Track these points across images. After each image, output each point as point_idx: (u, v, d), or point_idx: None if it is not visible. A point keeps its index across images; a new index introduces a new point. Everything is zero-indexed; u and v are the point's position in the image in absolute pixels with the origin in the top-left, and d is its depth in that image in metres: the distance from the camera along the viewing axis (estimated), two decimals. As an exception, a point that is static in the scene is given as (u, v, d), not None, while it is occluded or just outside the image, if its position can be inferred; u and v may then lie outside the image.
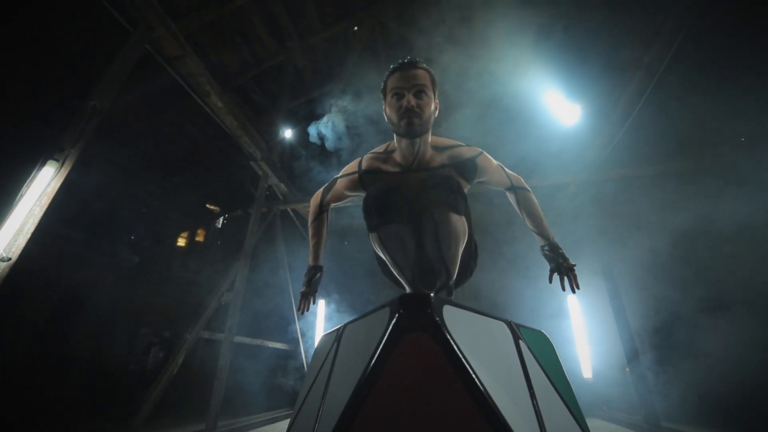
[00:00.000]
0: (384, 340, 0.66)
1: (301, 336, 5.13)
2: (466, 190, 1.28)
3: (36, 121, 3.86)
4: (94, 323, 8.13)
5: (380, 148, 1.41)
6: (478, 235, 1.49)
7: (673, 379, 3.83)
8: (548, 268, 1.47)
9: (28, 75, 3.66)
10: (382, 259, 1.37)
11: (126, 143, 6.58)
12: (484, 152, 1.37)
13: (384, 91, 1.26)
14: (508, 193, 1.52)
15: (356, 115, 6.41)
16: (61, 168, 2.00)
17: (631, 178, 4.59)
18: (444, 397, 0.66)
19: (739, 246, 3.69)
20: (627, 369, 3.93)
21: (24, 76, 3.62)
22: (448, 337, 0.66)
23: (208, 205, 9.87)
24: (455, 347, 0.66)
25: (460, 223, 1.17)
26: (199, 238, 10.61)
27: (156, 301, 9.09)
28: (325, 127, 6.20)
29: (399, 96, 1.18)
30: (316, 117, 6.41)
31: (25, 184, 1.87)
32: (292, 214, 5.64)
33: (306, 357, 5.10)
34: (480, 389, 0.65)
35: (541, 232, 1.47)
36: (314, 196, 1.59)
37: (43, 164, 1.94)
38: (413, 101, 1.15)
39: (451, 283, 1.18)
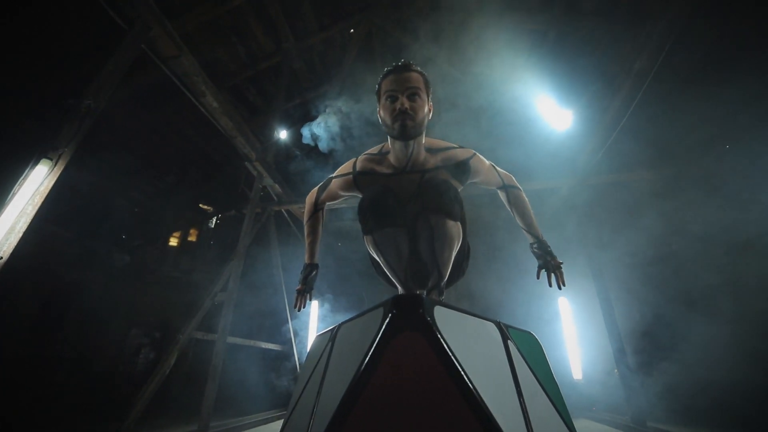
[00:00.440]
0: (378, 339, 0.69)
1: (294, 336, 5.13)
2: (459, 190, 1.31)
3: (29, 119, 3.82)
4: (83, 323, 8.02)
5: (374, 150, 1.42)
6: (474, 237, 1.53)
7: (659, 380, 3.91)
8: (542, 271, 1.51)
9: (23, 73, 3.62)
10: (376, 260, 1.40)
11: (119, 142, 6.52)
12: (477, 154, 1.40)
13: (378, 94, 1.28)
14: (499, 192, 1.55)
15: (352, 116, 6.44)
16: (54, 167, 1.99)
17: (621, 183, 4.68)
18: (435, 394, 0.69)
19: (721, 251, 3.79)
20: (615, 370, 4.00)
21: (18, 74, 3.59)
22: (439, 336, 0.69)
23: (201, 205, 9.80)
24: (446, 346, 0.69)
25: (455, 228, 1.19)
26: (192, 238, 10.52)
27: (147, 302, 9.00)
28: (320, 129, 6.22)
29: (393, 99, 1.20)
30: (311, 118, 6.42)
31: (18, 183, 1.86)
32: (286, 215, 5.64)
33: (299, 357, 5.10)
34: (469, 387, 0.68)
35: (531, 230, 1.52)
36: (309, 194, 1.61)
37: (37, 163, 1.93)
38: (407, 104, 1.17)
39: (442, 284, 1.21)
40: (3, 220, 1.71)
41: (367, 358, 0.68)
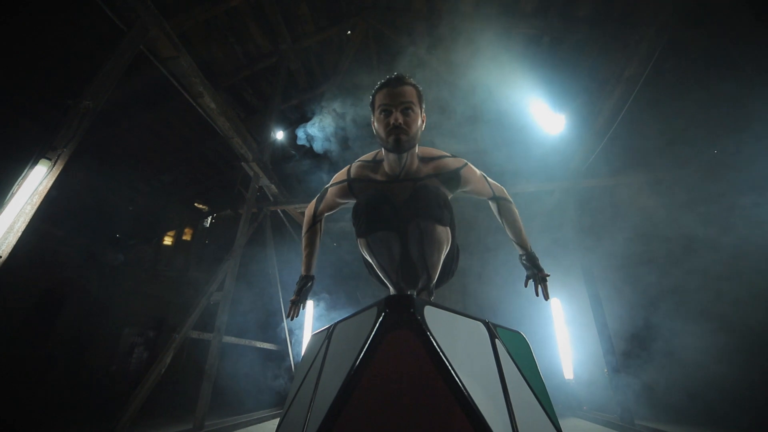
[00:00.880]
0: (371, 337, 0.74)
1: (290, 336, 5.16)
2: (450, 197, 1.36)
3: (27, 119, 3.80)
4: (77, 322, 7.97)
5: (368, 156, 1.46)
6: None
7: (646, 379, 4.01)
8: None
9: (21, 73, 3.62)
10: (369, 262, 1.44)
11: (113, 140, 6.50)
12: (469, 164, 1.44)
13: (372, 106, 1.31)
14: (490, 203, 1.58)
15: (348, 118, 6.48)
16: (53, 167, 2.01)
17: (612, 186, 4.77)
18: (424, 389, 0.74)
19: (709, 253, 3.88)
20: (605, 370, 4.09)
21: (16, 74, 3.58)
22: (429, 334, 0.74)
23: (196, 204, 9.77)
24: (435, 344, 0.74)
25: (444, 233, 1.25)
26: (186, 237, 10.48)
27: (141, 301, 8.96)
28: (317, 130, 6.25)
29: (387, 113, 1.22)
30: (308, 119, 6.45)
31: (17, 183, 1.88)
32: (282, 215, 5.66)
33: (293, 357, 5.12)
34: (456, 382, 0.73)
35: (520, 242, 1.56)
36: (308, 207, 1.65)
37: (35, 163, 1.95)
38: (401, 119, 1.20)
39: (432, 285, 1.27)
40: (2, 219, 1.73)
41: (362, 354, 0.73)
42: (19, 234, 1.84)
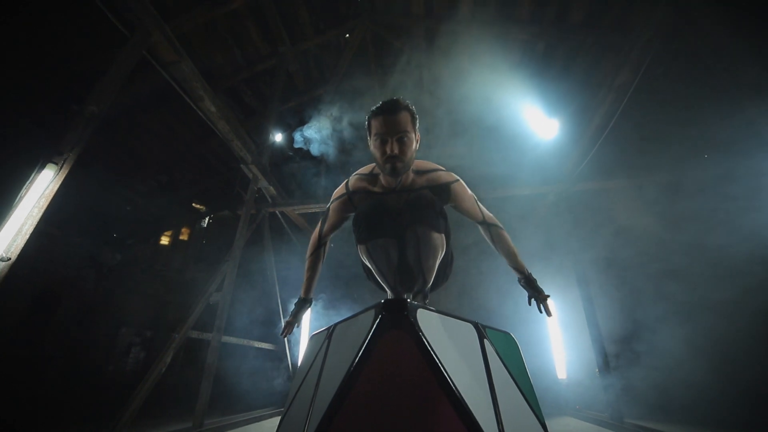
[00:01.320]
0: (369, 337, 0.81)
1: (286, 337, 5.21)
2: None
3: (32, 123, 3.83)
4: (73, 322, 7.96)
5: (365, 170, 1.53)
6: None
7: (636, 379, 4.11)
8: (531, 273, 1.62)
9: (26, 78, 3.65)
10: (367, 266, 1.51)
11: (111, 141, 6.52)
12: (461, 181, 1.50)
13: (369, 129, 1.34)
14: (480, 227, 1.60)
15: (346, 120, 6.54)
16: (59, 171, 2.07)
17: (604, 190, 4.88)
18: (417, 385, 0.81)
19: (695, 257, 4.00)
20: (597, 370, 4.18)
21: (21, 79, 3.61)
22: (421, 334, 0.81)
23: (194, 204, 9.79)
24: (426, 343, 0.81)
25: (439, 239, 1.32)
26: (184, 237, 10.50)
27: (138, 301, 8.96)
28: (315, 132, 6.31)
29: (383, 141, 1.27)
30: (306, 121, 6.51)
31: (24, 187, 1.94)
32: (280, 216, 5.72)
33: (291, 357, 5.18)
34: (446, 378, 0.81)
35: (517, 267, 1.57)
36: (313, 232, 1.68)
37: (43, 167, 2.00)
38: (396, 149, 1.25)
39: (427, 288, 1.35)
40: (11, 223, 1.79)
41: (361, 352, 0.80)
42: (27, 236, 1.90)
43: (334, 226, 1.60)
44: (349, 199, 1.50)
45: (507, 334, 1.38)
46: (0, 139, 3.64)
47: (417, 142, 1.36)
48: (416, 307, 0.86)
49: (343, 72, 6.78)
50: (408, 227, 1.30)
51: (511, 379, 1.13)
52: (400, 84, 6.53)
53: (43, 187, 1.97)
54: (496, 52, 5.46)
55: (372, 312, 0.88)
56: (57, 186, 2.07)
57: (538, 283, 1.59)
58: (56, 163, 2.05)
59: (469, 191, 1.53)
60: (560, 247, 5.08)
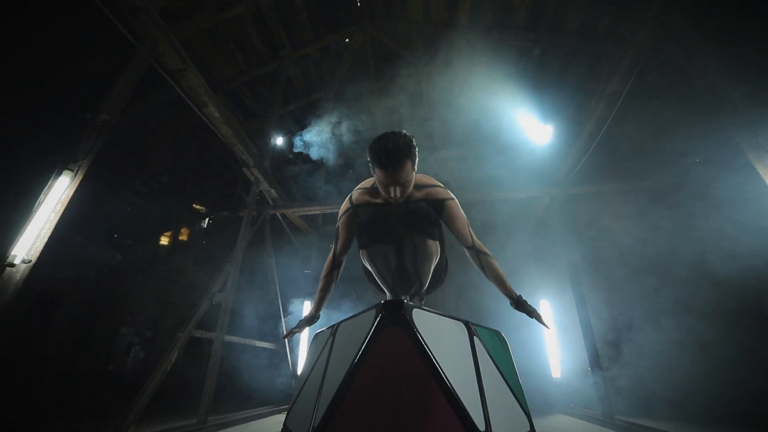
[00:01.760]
0: (370, 333, 0.92)
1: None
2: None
3: (46, 132, 3.93)
4: (73, 322, 8.03)
5: (367, 184, 1.63)
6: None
7: (626, 378, 4.25)
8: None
9: (40, 89, 3.74)
10: (368, 269, 1.63)
11: (113, 142, 6.60)
12: (456, 200, 1.59)
13: (371, 166, 1.39)
14: (468, 252, 1.63)
15: (345, 124, 6.66)
16: (75, 177, 2.17)
17: (598, 194, 5.01)
18: (412, 376, 0.92)
19: (680, 261, 4.14)
20: (589, 369, 4.31)
21: (36, 90, 3.70)
22: (416, 331, 0.93)
23: (194, 205, 9.88)
24: (421, 339, 0.93)
25: (434, 246, 1.44)
26: (183, 238, 10.56)
27: (138, 301, 9.03)
28: (314, 135, 6.42)
29: (386, 186, 1.36)
30: (306, 124, 6.62)
31: (43, 193, 2.04)
32: (280, 218, 5.82)
33: (291, 356, 5.28)
34: (438, 371, 0.92)
35: (507, 293, 1.60)
36: (328, 255, 1.73)
37: (59, 174, 2.11)
38: (399, 192, 1.36)
39: (423, 291, 1.46)
40: (32, 227, 1.89)
41: (363, 347, 0.92)
42: (45, 240, 2.00)
43: (346, 244, 1.65)
44: (354, 212, 1.59)
45: (497, 332, 1.49)
46: (16, 148, 3.74)
47: (415, 171, 1.42)
48: (412, 307, 0.97)
49: (342, 76, 6.90)
50: (406, 235, 1.41)
51: (498, 372, 1.25)
52: (399, 88, 6.65)
53: (59, 192, 2.08)
54: (493, 58, 5.59)
55: (373, 311, 0.99)
56: (72, 191, 2.17)
57: (530, 301, 1.64)
58: (72, 170, 2.16)
59: (462, 212, 1.59)
60: (554, 249, 5.20)
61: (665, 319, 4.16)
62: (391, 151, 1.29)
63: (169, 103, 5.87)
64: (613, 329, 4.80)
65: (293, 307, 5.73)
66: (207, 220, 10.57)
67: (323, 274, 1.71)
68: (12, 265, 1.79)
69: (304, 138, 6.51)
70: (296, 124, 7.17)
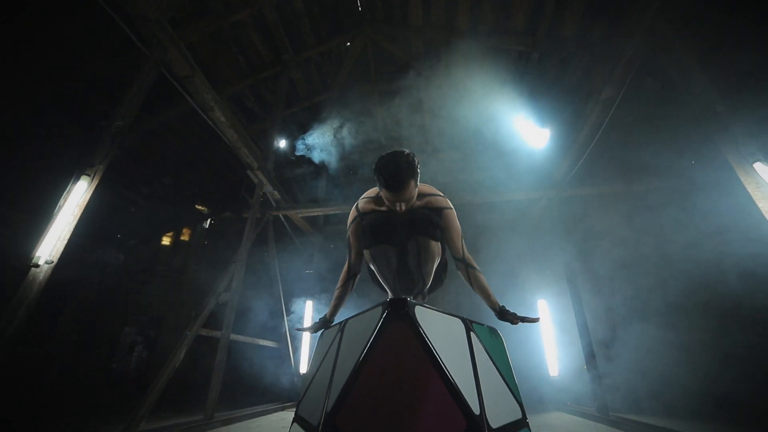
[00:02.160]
0: (377, 328, 1.03)
1: (290, 334, 5.43)
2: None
3: (59, 138, 4.03)
4: (77, 322, 8.12)
5: (371, 193, 1.74)
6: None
7: (620, 375, 4.36)
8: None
9: (54, 96, 3.85)
10: (371, 269, 1.74)
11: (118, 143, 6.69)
12: (453, 210, 1.68)
13: (377, 183, 1.49)
14: (456, 263, 1.69)
15: (346, 126, 6.77)
16: (92, 181, 2.28)
17: (594, 196, 5.12)
18: (415, 365, 1.03)
19: (680, 261, 4.25)
20: (584, 367, 4.42)
21: (49, 98, 3.81)
22: (418, 326, 1.03)
23: (197, 206, 9.97)
24: (423, 333, 1.04)
25: (436, 247, 1.55)
26: (185, 238, 10.65)
27: (141, 300, 9.12)
28: (316, 138, 6.52)
29: (392, 202, 1.49)
30: (308, 127, 6.73)
31: (62, 197, 2.15)
32: (283, 219, 5.93)
33: (293, 354, 5.39)
34: (438, 361, 1.03)
35: (490, 304, 1.70)
36: (344, 267, 1.80)
37: (77, 179, 2.21)
38: (403, 207, 1.48)
39: (425, 290, 1.57)
40: (54, 230, 2.00)
41: (370, 340, 1.02)
42: (65, 241, 2.11)
43: (360, 253, 1.72)
44: (362, 219, 1.69)
45: (493, 329, 1.60)
46: (32, 154, 3.84)
47: (417, 186, 1.53)
48: (415, 305, 1.08)
49: (344, 79, 7.01)
50: (410, 238, 1.52)
51: (494, 366, 1.35)
52: (399, 91, 6.76)
53: (78, 196, 2.18)
54: (492, 62, 5.70)
55: (380, 308, 1.10)
56: (89, 195, 2.28)
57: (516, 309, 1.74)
58: (89, 175, 2.26)
59: (458, 223, 1.67)
60: (552, 249, 5.31)
61: (658, 319, 4.27)
62: (396, 175, 1.40)
63: (172, 106, 5.98)
64: (608, 328, 4.91)
65: (295, 306, 5.84)
66: (209, 220, 10.66)
67: (339, 284, 1.77)
68: (36, 265, 1.90)
69: (306, 141, 6.62)
70: (298, 127, 7.28)
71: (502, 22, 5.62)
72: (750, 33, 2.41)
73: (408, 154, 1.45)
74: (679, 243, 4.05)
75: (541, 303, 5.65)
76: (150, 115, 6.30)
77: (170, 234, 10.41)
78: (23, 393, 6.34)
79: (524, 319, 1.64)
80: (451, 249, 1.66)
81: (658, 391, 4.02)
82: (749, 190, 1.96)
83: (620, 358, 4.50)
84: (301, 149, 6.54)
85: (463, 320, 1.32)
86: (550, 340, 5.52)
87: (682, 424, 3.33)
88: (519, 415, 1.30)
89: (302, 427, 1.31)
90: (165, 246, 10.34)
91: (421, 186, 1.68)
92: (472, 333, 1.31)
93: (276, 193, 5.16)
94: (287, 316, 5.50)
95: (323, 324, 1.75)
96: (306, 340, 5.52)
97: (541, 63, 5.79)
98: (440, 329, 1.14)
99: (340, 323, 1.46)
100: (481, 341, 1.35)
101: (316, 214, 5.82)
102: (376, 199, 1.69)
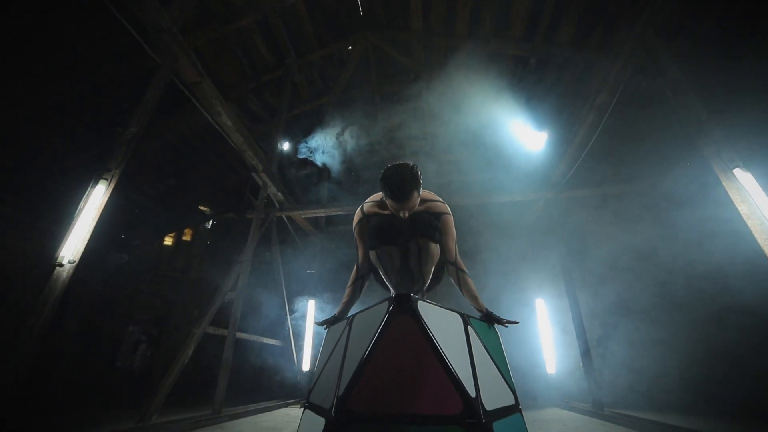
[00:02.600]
0: (384, 320, 1.16)
1: (293, 333, 5.55)
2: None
3: (75, 144, 4.15)
4: (81, 321, 8.23)
5: (376, 197, 1.85)
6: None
7: (614, 372, 4.49)
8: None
9: (69, 104, 3.97)
10: (375, 269, 1.86)
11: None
12: (451, 216, 1.79)
13: (383, 193, 1.58)
14: (448, 267, 1.78)
15: (348, 129, 6.89)
16: (109, 185, 2.40)
17: (589, 197, 5.25)
18: (418, 354, 1.15)
19: (670, 261, 4.37)
20: (580, 364, 4.54)
21: (66, 106, 3.92)
22: (421, 319, 1.16)
23: (200, 207, 10.09)
24: (425, 326, 1.16)
25: (436, 249, 1.67)
26: (187, 238, 10.75)
27: (144, 300, 9.22)
28: (319, 140, 6.65)
29: (396, 210, 1.58)
30: (311, 129, 6.85)
31: (83, 200, 2.27)
32: (286, 220, 6.05)
33: (296, 352, 5.51)
34: (439, 350, 1.15)
35: (477, 307, 1.75)
36: (353, 269, 1.89)
37: (96, 183, 2.33)
38: (407, 215, 1.59)
39: (424, 288, 1.70)
40: (76, 232, 2.12)
41: (378, 331, 1.15)
42: (85, 243, 2.23)
43: (366, 252, 1.81)
44: (367, 221, 1.82)
45: (489, 324, 1.72)
46: (51, 160, 3.96)
47: (420, 195, 1.64)
48: (417, 300, 1.21)
49: (345, 82, 7.13)
50: (412, 239, 1.65)
51: (489, 356, 1.48)
52: (400, 94, 6.89)
53: (97, 200, 2.31)
54: (490, 67, 5.82)
55: (386, 303, 1.23)
56: (107, 198, 2.40)
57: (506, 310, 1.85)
58: (106, 179, 2.38)
59: (454, 229, 1.77)
60: (550, 249, 5.44)
61: (651, 317, 4.40)
62: (401, 186, 1.52)
63: (178, 109, 6.10)
64: (604, 327, 5.04)
65: (298, 305, 5.96)
66: (211, 221, 10.77)
67: (348, 284, 1.87)
68: (61, 265, 2.02)
69: (309, 143, 6.74)
70: (301, 130, 7.40)
71: (501, 28, 5.75)
72: (733, 45, 2.53)
73: (412, 167, 1.56)
74: (672, 243, 4.18)
75: (539, 302, 5.77)
76: (157, 118, 6.42)
77: (173, 234, 10.52)
78: (29, 390, 6.44)
79: (509, 321, 1.73)
80: (445, 252, 1.75)
81: (651, 387, 4.15)
82: (730, 195, 2.08)
83: (615, 355, 4.63)
84: (303, 152, 6.66)
85: (461, 315, 1.45)
86: (548, 338, 5.64)
87: (674, 418, 3.46)
88: (512, 401, 1.42)
89: (315, 412, 1.43)
90: (168, 246, 10.45)
91: (424, 192, 1.79)
92: (469, 326, 1.43)
93: (280, 194, 5.29)
94: (290, 315, 5.62)
95: (333, 321, 1.84)
96: (309, 339, 5.64)
97: (538, 68, 5.91)
98: (440, 322, 1.26)
99: (348, 318, 1.58)
100: (477, 334, 1.47)
101: (318, 215, 5.95)
102: (380, 203, 1.81)
